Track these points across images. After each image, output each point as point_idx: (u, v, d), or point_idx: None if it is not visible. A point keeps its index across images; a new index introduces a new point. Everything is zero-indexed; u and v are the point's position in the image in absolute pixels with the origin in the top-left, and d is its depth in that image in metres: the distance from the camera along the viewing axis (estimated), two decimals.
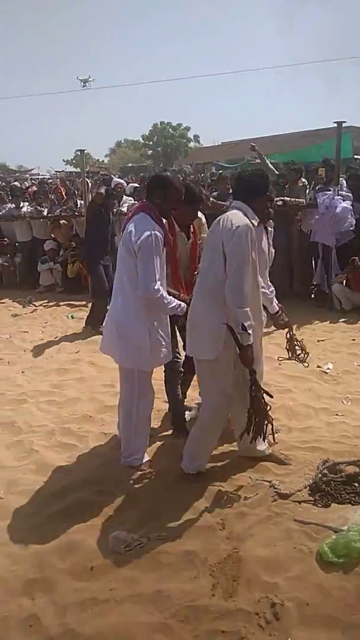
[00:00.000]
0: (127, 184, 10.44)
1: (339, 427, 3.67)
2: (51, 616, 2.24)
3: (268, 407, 2.98)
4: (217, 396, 3.03)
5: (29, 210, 9.56)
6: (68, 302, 8.38)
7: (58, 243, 9.41)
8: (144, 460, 3.33)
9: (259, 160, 20.16)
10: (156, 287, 3.01)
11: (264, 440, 3.19)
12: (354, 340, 5.71)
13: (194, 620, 2.15)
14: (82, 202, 8.83)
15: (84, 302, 8.27)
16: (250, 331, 2.78)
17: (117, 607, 2.25)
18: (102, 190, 6.56)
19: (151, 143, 39.78)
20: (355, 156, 14.90)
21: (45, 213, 9.49)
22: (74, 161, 43.72)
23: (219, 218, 2.95)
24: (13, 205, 9.81)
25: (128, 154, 44.64)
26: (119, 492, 3.08)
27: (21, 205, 9.73)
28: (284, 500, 2.87)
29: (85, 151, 8.95)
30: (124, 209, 8.57)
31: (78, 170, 33.94)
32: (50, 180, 15.27)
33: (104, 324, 3.60)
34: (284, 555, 2.46)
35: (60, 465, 3.43)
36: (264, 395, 2.96)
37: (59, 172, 26.60)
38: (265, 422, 2.97)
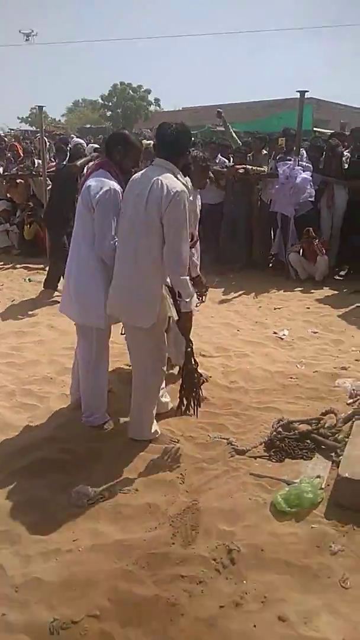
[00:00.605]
0: (87, 145, 10.19)
1: (293, 389, 3.84)
2: (15, 566, 2.30)
3: (201, 381, 3.02)
4: (155, 362, 3.07)
5: None
6: (25, 265, 8.21)
7: (13, 203, 9.16)
8: (105, 420, 3.39)
9: (221, 128, 20.02)
10: (111, 243, 3.01)
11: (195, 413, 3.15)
12: (308, 308, 5.90)
13: (154, 567, 2.26)
14: (40, 161, 8.57)
15: (41, 265, 8.12)
16: (188, 299, 2.80)
17: (80, 557, 2.33)
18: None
19: (110, 104, 38.60)
20: (315, 129, 14.99)
21: (0, 171, 9.18)
22: (29, 119, 41.99)
23: (139, 179, 2.85)
24: None
25: (86, 114, 43.16)
26: (80, 450, 3.14)
27: None
28: (241, 456, 3.01)
29: (43, 107, 8.63)
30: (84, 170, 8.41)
31: (33, 128, 32.72)
32: (6, 138, 14.67)
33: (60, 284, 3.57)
34: (240, 506, 2.60)
35: (21, 425, 3.45)
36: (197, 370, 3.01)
37: (13, 130, 25.57)
38: (195, 395, 3.03)
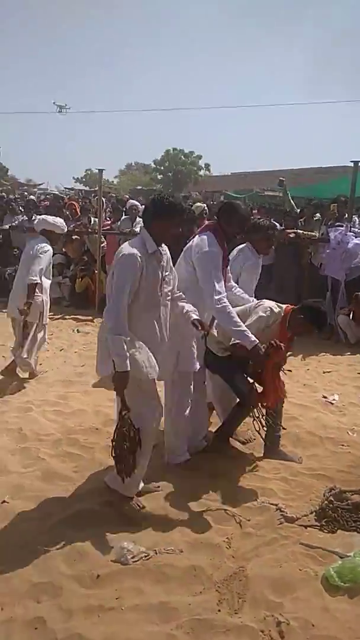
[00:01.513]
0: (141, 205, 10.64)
1: (345, 457, 3.71)
2: (57, 620, 2.25)
3: (135, 448, 2.86)
4: (140, 408, 2.94)
5: None
6: (74, 316, 8.44)
7: (67, 257, 9.55)
8: (186, 457, 3.54)
9: (269, 192, 20.39)
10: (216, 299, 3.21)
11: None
12: (359, 373, 5.77)
13: (199, 634, 2.16)
14: (97, 219, 8.99)
15: (90, 317, 8.35)
16: (121, 359, 2.74)
17: (123, 616, 2.26)
18: None
19: (162, 168, 40.31)
20: None
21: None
22: (83, 179, 44.30)
23: None
24: (25, 218, 9.95)
25: (138, 177, 45.18)
26: (124, 504, 3.09)
27: (34, 217, 9.87)
28: (290, 524, 2.89)
29: (102, 170, 9.14)
30: (137, 229, 8.75)
31: (87, 188, 34.40)
32: (65, 197, 15.47)
33: None
34: (289, 577, 2.48)
35: (66, 474, 3.45)
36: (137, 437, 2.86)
37: (69, 189, 26.97)
38: (125, 460, 2.86)
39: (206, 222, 3.64)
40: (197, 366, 3.47)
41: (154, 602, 2.33)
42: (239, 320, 3.23)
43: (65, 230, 5.61)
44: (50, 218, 5.52)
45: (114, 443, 2.89)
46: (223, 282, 3.35)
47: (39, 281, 5.05)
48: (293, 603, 2.32)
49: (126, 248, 2.90)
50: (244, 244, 4.29)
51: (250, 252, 4.21)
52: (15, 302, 5.17)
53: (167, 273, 3.03)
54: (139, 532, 2.84)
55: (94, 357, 6.08)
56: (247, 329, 3.22)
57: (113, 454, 2.90)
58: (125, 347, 2.77)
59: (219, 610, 2.28)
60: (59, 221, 5.41)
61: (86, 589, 2.44)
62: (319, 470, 3.49)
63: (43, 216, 5.72)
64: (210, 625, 2.20)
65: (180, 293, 3.24)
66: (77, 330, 7.71)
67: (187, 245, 3.50)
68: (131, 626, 2.19)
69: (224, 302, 3.19)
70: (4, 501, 3.12)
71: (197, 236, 3.44)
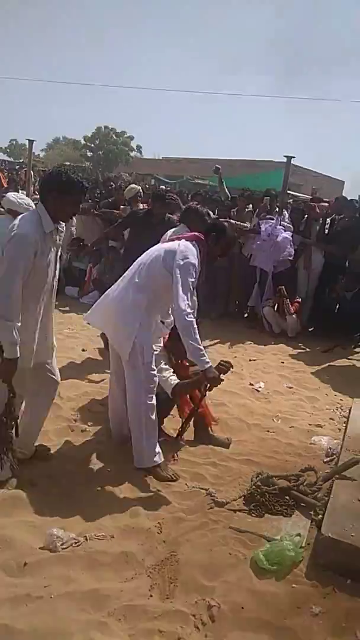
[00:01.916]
0: None
1: (271, 442, 3.83)
2: None
3: (11, 436, 2.85)
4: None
5: None
6: None
7: None
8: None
9: (199, 180, 20.52)
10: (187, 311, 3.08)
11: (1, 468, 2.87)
12: (283, 363, 5.97)
13: (131, 619, 2.15)
14: (25, 192, 8.62)
15: None
16: (12, 347, 2.66)
17: (52, 604, 2.21)
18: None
19: (92, 145, 39.33)
20: (289, 191, 15.65)
21: None
22: (7, 150, 42.36)
23: None
24: None
25: (67, 152, 43.74)
26: (55, 490, 3.02)
27: None
28: (220, 509, 2.94)
29: (33, 142, 8.75)
30: None
31: (11, 159, 32.85)
32: None
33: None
34: (219, 561, 2.52)
35: None
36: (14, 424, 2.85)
37: None
38: (5, 448, 2.84)
39: (194, 233, 3.44)
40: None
41: (84, 590, 2.29)
42: (199, 339, 3.13)
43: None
44: (13, 196, 5.06)
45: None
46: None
47: None
48: (223, 587, 2.37)
49: (21, 226, 2.69)
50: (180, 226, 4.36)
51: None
52: None
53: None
54: (68, 518, 2.78)
55: None
56: (204, 351, 3.17)
57: None
58: (16, 333, 2.65)
59: (151, 596, 2.29)
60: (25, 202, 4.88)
61: (13, 577, 2.35)
62: (246, 456, 3.58)
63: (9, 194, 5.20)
64: (143, 611, 2.19)
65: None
66: None
67: (169, 244, 3.35)
68: (61, 615, 2.14)
69: (192, 317, 3.09)
70: None
71: (184, 241, 3.29)
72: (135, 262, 3.40)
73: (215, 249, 3.42)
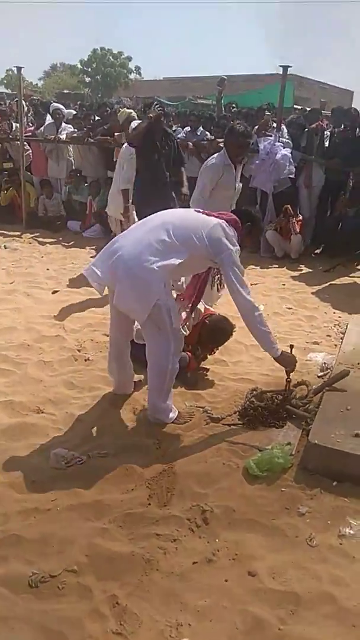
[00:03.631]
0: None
1: (266, 362, 3.91)
2: None
3: None
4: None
5: None
6: (1, 232, 8.08)
7: None
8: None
9: (202, 100, 19.65)
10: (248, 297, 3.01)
11: None
12: (284, 285, 6.00)
13: (131, 526, 2.34)
14: (18, 125, 8.39)
15: (18, 233, 8.03)
16: None
17: (58, 515, 2.40)
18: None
19: (90, 70, 37.57)
20: (295, 106, 14.96)
21: None
22: (4, 81, 40.63)
23: None
24: None
25: (64, 79, 41.86)
26: (59, 415, 3.19)
27: None
28: (216, 424, 3.10)
29: (21, 69, 8.38)
30: (63, 137, 8.27)
31: (8, 91, 31.64)
32: None
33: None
34: (214, 470, 2.70)
35: None
36: None
37: None
38: None
39: (235, 218, 3.15)
40: None
41: (88, 502, 2.48)
42: (269, 330, 3.10)
43: None
44: None
45: None
46: None
47: None
48: (217, 493, 2.54)
49: None
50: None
51: (222, 155, 4.47)
52: None
53: None
54: (73, 440, 2.96)
55: (23, 274, 6.05)
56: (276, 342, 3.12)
57: None
58: None
59: (149, 504, 2.47)
60: None
61: (22, 494, 2.55)
62: (243, 375, 3.70)
63: None
64: (141, 518, 2.38)
65: None
66: (4, 246, 7.42)
67: (210, 221, 3.04)
68: (66, 524, 2.34)
69: (259, 310, 3.08)
70: None
71: (225, 225, 3.03)
72: (156, 217, 3.09)
73: (246, 239, 3.25)
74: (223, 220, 3.06)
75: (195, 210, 3.20)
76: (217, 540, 2.29)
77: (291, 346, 3.30)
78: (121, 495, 2.53)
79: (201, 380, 3.65)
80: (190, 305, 3.49)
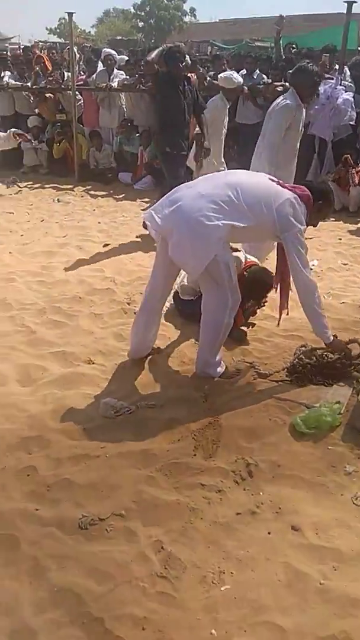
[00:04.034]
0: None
1: None
2: (46, 468, 2.46)
3: None
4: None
5: (11, 81, 8.92)
6: (54, 185, 8.15)
7: (43, 119, 8.95)
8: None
9: (259, 43, 18.69)
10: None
11: None
12: (340, 239, 5.77)
13: (176, 475, 2.39)
14: (70, 74, 8.27)
15: (70, 186, 8.07)
16: None
17: (107, 462, 2.48)
18: (154, 55, 5.19)
19: (143, 14, 36.31)
20: None
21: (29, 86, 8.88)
22: (57, 30, 39.98)
23: None
24: None
25: (117, 25, 40.75)
26: (109, 366, 3.26)
27: (2, 74, 9.05)
28: (263, 380, 3.08)
29: (72, 14, 8.18)
30: (114, 84, 8.10)
31: (62, 40, 31.15)
32: (37, 50, 14.08)
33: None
34: (260, 425, 2.70)
35: (51, 340, 3.57)
36: None
37: (42, 41, 24.42)
38: None
39: (307, 193, 2.99)
40: None
41: (135, 450, 2.55)
42: (324, 315, 3.09)
43: None
44: None
45: None
46: None
47: None
48: (262, 448, 2.55)
49: None
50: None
51: (292, 96, 4.35)
52: None
53: None
54: (122, 390, 3.02)
55: (75, 227, 6.11)
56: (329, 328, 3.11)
57: None
58: None
59: (195, 455, 2.51)
60: None
61: (73, 440, 2.64)
62: (293, 332, 3.64)
63: None
64: (186, 467, 2.43)
65: None
66: (57, 199, 7.49)
67: (282, 193, 2.91)
68: (115, 471, 2.42)
69: (318, 293, 3.03)
70: None
71: (295, 199, 2.91)
72: (226, 175, 3.08)
73: (315, 217, 3.10)
74: (296, 195, 2.94)
75: (269, 179, 3.05)
76: (261, 493, 2.31)
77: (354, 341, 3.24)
78: (167, 445, 2.59)
79: (249, 336, 3.61)
80: None
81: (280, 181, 3.04)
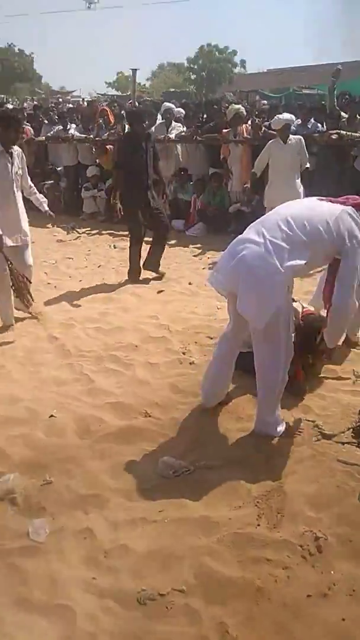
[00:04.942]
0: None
1: None
2: (104, 531, 2.36)
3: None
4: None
5: (76, 133, 9.37)
6: (110, 232, 8.35)
7: (102, 169, 9.27)
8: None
9: (307, 90, 18.96)
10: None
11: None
12: None
13: (240, 547, 2.24)
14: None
15: (126, 232, 8.22)
16: None
17: (166, 528, 2.37)
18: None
19: (195, 67, 37.76)
20: None
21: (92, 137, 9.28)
22: (115, 83, 42.16)
23: None
24: (61, 127, 9.62)
25: (171, 78, 42.56)
26: (166, 420, 3.18)
27: (68, 127, 9.54)
28: (327, 441, 2.91)
29: (136, 71, 8.57)
30: (172, 135, 8.33)
31: (119, 93, 32.74)
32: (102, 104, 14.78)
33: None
34: (327, 493, 2.52)
35: (109, 390, 3.54)
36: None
37: (102, 94, 25.70)
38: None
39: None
40: None
41: (195, 516, 2.42)
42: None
43: None
44: None
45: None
46: None
47: None
48: (330, 519, 2.37)
49: None
50: None
51: None
52: None
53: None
54: (179, 447, 2.92)
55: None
56: None
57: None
58: None
59: (259, 525, 2.36)
60: None
61: (131, 501, 2.55)
62: (357, 387, 3.46)
63: None
64: (250, 539, 2.28)
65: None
66: (114, 246, 7.65)
67: (334, 209, 2.87)
68: (174, 538, 2.29)
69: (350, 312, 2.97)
70: (51, 415, 3.25)
71: (351, 210, 2.86)
72: (278, 210, 2.98)
73: None
74: (349, 207, 2.88)
75: (318, 198, 3.03)
76: (332, 572, 2.13)
77: None
78: (229, 512, 2.45)
79: (309, 391, 3.46)
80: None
81: (330, 198, 3.00)
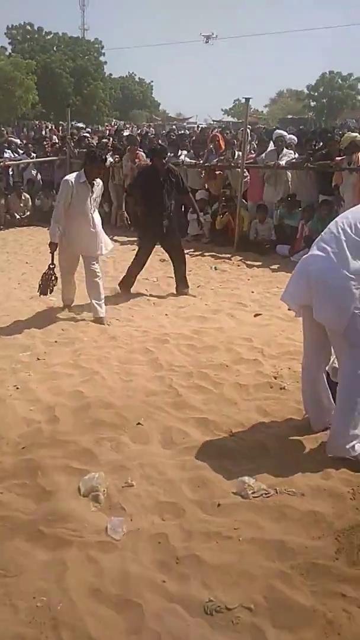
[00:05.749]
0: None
1: None
2: (178, 538, 2.41)
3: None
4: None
5: (186, 159, 9.71)
6: (213, 254, 8.50)
7: (209, 193, 9.49)
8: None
9: None
10: None
11: None
12: None
13: (314, 578, 2.18)
14: (240, 153, 8.75)
15: (228, 255, 8.35)
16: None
17: (239, 546, 2.35)
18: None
19: (316, 94, 37.59)
20: None
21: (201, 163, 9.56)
22: (232, 110, 43.09)
23: None
24: (172, 154, 10.03)
25: (289, 105, 42.81)
26: (251, 442, 3.16)
27: (179, 153, 9.91)
28: None
29: (249, 99, 8.74)
30: (282, 162, 8.37)
31: (235, 120, 33.47)
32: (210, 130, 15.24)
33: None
34: None
35: (195, 405, 3.60)
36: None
37: (217, 121, 26.45)
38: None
39: None
40: None
41: (270, 539, 2.38)
42: None
43: None
44: None
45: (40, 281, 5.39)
46: None
47: None
48: None
49: (69, 175, 5.21)
50: None
51: None
52: None
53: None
54: (261, 469, 2.89)
55: (229, 295, 6.25)
56: None
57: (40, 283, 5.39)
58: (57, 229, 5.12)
59: (337, 559, 2.27)
60: None
61: (207, 514, 2.57)
62: None
63: None
64: (327, 571, 2.20)
65: None
66: (215, 267, 7.77)
67: None
68: (247, 557, 2.28)
69: None
70: (138, 423, 3.37)
71: None
72: (340, 219, 3.01)
73: None
74: None
75: None
76: None
77: None
78: (306, 541, 2.38)
79: None
80: None
81: None
